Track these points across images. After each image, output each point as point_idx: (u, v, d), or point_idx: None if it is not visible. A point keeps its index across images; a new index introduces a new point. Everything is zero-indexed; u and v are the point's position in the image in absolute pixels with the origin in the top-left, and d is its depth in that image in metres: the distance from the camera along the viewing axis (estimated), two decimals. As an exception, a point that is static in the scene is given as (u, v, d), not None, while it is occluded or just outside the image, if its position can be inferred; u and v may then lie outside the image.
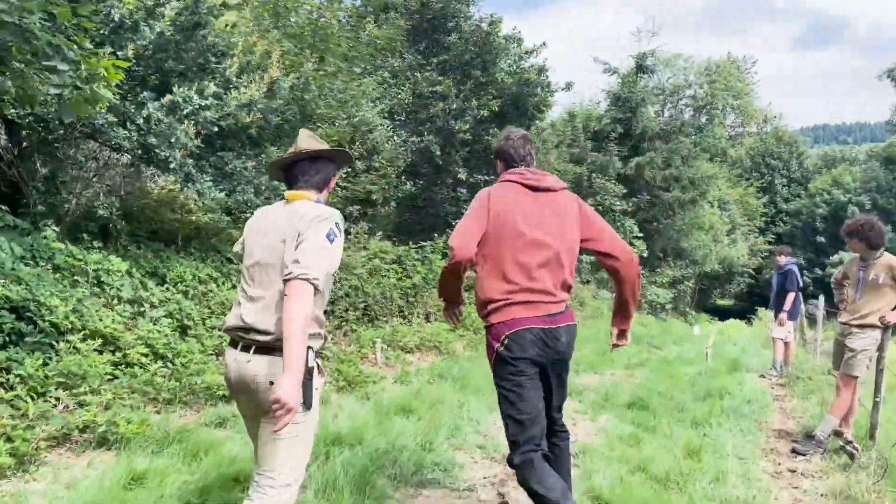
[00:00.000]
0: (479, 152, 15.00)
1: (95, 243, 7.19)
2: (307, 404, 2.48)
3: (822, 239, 48.12)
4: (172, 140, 6.54)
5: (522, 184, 3.31)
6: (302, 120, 10.07)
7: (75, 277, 6.39)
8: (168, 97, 6.56)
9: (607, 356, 10.13)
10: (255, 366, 2.59)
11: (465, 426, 5.67)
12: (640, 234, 24.85)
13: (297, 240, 2.54)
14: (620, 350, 10.85)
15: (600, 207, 23.70)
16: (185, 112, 6.64)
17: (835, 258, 45.20)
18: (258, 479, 2.59)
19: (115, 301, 6.44)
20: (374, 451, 4.57)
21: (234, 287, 7.74)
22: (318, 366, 2.64)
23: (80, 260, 6.54)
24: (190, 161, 6.92)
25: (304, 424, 2.56)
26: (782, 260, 9.89)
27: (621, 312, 3.62)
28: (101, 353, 5.63)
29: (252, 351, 2.61)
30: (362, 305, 9.34)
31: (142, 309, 6.52)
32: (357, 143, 11.97)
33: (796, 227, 51.33)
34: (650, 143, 25.71)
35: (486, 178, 14.70)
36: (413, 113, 14.54)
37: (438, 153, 13.93)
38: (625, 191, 24.37)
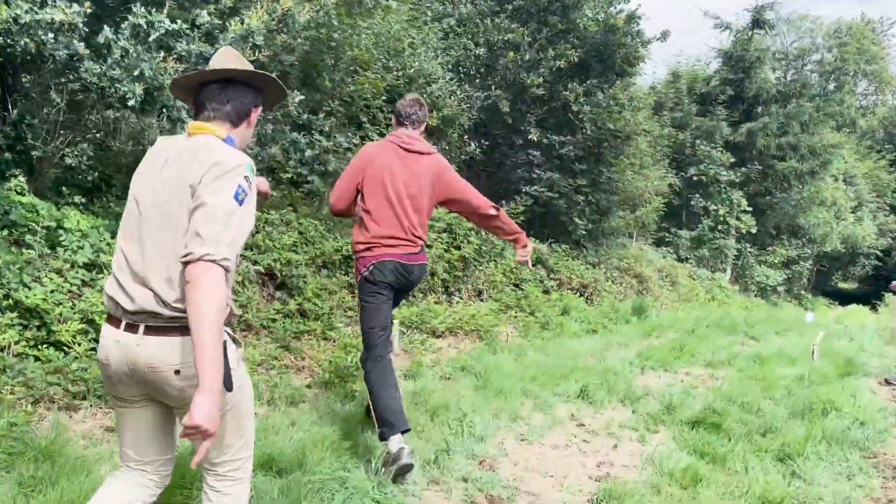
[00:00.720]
0: (556, 110, 13.29)
1: (78, 199, 6.26)
2: (227, 386, 1.98)
3: (967, 219, 42.64)
4: (137, 73, 5.41)
5: (398, 145, 3.91)
6: (335, 64, 8.82)
7: (27, 237, 5.44)
8: (130, 20, 5.42)
9: (686, 349, 8.42)
10: (147, 350, 2.02)
11: (457, 447, 4.26)
12: (749, 208, 22.26)
13: (194, 195, 1.99)
14: (703, 343, 8.82)
15: (703, 178, 21.38)
16: (151, 39, 5.49)
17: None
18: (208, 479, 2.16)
19: (69, 266, 5.45)
20: (291, 486, 3.26)
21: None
22: (230, 337, 2.12)
23: (39, 215, 5.59)
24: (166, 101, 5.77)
25: (232, 410, 2.10)
26: None
27: (514, 242, 4.25)
28: (24, 327, 4.64)
29: (141, 331, 2.03)
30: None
31: (99, 276, 5.50)
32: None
33: (936, 206, 45.82)
34: (765, 107, 22.91)
35: (563, 138, 12.99)
36: (483, 67, 12.99)
37: (508, 111, 12.33)
38: (733, 160, 21.84)
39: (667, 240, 21.38)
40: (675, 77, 25.01)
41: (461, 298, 8.88)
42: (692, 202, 21.45)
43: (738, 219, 21.93)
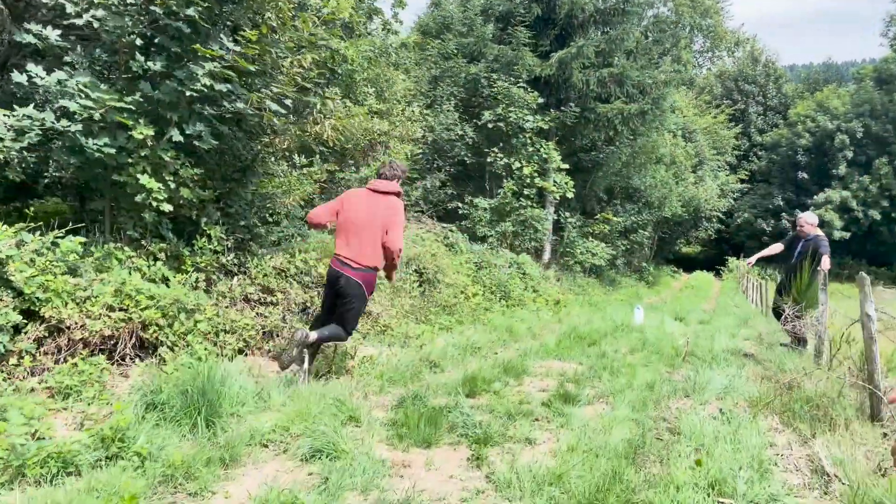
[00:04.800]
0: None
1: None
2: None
3: (805, 175, 40.49)
4: None
5: (369, 188, 5.46)
6: None
7: None
8: None
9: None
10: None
11: None
12: (566, 166, 16.70)
13: None
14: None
15: (502, 125, 15.54)
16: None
17: (819, 198, 37.83)
18: None
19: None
20: None
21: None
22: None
23: None
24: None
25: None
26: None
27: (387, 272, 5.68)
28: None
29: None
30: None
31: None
32: None
33: (773, 163, 43.66)
34: (581, 31, 17.41)
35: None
36: None
37: None
38: (541, 100, 16.17)
39: (461, 212, 15.45)
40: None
41: None
42: (490, 160, 15.58)
43: (555, 183, 16.39)
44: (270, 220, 7.22)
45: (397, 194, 5.47)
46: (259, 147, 6.53)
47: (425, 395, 5.01)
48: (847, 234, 36.23)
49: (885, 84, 39.41)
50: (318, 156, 8.70)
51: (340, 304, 5.31)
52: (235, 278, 6.26)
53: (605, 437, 4.40)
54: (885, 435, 4.31)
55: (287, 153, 6.83)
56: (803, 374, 5.32)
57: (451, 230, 13.57)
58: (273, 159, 7.08)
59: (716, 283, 35.14)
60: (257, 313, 6.16)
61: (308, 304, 6.62)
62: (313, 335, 5.12)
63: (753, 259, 8.41)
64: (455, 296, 9.86)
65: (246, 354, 5.86)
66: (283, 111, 5.70)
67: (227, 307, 5.92)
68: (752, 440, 4.29)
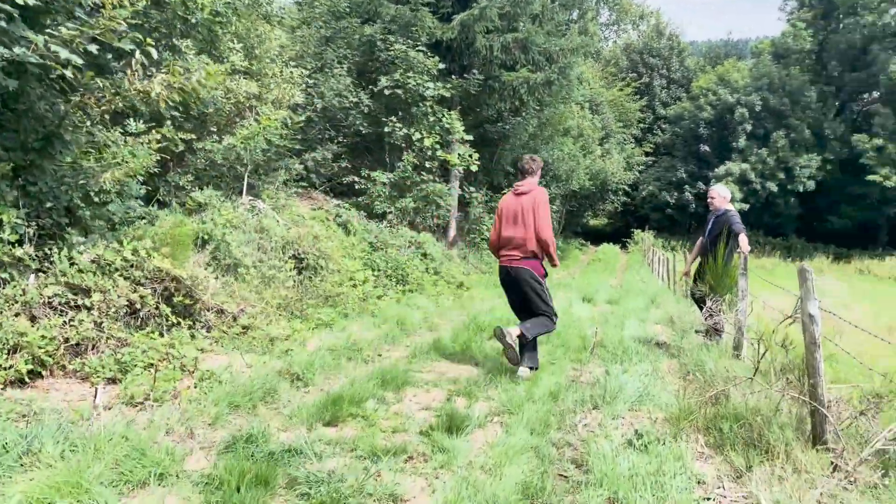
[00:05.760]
0: None
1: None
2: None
3: (707, 148, 41.21)
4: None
5: (513, 191, 5.90)
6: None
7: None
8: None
9: None
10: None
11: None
12: (470, 137, 15.69)
13: None
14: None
15: (400, 92, 14.37)
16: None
17: (720, 170, 38.53)
18: None
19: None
20: None
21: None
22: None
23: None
24: None
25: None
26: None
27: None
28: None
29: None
30: None
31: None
32: None
33: (677, 136, 44.27)
34: (486, -7, 16.30)
35: None
36: None
37: None
38: (442, 66, 15.04)
39: (358, 187, 14.19)
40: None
41: None
42: (387, 129, 14.36)
43: (460, 156, 15.34)
44: (97, 199, 5.81)
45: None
46: (65, 108, 5.11)
47: (265, 433, 3.84)
48: (746, 206, 37.08)
49: (781, 58, 40.41)
50: (169, 121, 7.27)
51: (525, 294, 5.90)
52: (33, 276, 4.88)
53: (495, 483, 3.39)
54: (835, 467, 3.49)
55: (104, 116, 5.41)
56: (730, 382, 4.48)
57: (344, 207, 12.33)
58: (90, 123, 5.64)
59: (622, 255, 35.33)
60: (65, 321, 4.81)
61: (139, 306, 5.30)
62: (515, 330, 5.55)
63: (687, 268, 8.15)
64: (341, 283, 8.69)
65: (43, 377, 4.53)
66: (80, 60, 4.32)
67: (16, 315, 4.55)
68: (677, 481, 3.39)
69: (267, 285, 7.43)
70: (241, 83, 8.28)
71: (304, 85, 10.35)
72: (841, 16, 40.56)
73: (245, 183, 8.79)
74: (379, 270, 10.60)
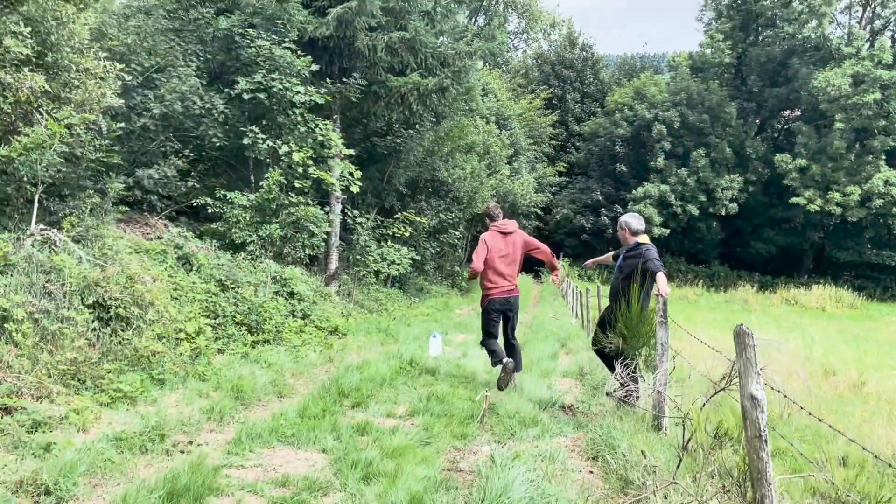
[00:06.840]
0: None
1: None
2: None
3: (623, 168, 41.81)
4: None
5: (498, 231, 7.47)
6: None
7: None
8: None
9: None
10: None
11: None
12: (351, 151, 14.72)
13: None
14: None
15: (265, 97, 13.27)
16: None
17: (638, 192, 39.10)
18: None
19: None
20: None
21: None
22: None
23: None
24: None
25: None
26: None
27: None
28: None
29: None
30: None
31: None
32: None
33: (592, 154, 44.83)
34: (368, -15, 15.45)
35: None
36: None
37: None
38: (316, 67, 14.03)
39: (212, 210, 12.86)
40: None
41: None
42: (246, 141, 13.14)
43: (341, 174, 14.28)
44: None
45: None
46: None
47: None
48: (667, 231, 37.70)
49: (700, 72, 41.72)
50: None
51: (511, 320, 7.76)
52: None
53: None
54: None
55: None
56: (646, 487, 3.62)
57: (184, 237, 11.01)
58: None
59: (535, 286, 35.01)
60: None
61: None
62: (513, 368, 7.43)
63: (591, 262, 8.53)
64: (163, 337, 7.43)
65: None
66: None
67: None
68: None
69: (49, 345, 6.12)
70: (27, 76, 6.97)
71: (120, 83, 9.04)
72: (759, 28, 42.37)
73: (35, 207, 7.42)
74: (225, 316, 9.36)
